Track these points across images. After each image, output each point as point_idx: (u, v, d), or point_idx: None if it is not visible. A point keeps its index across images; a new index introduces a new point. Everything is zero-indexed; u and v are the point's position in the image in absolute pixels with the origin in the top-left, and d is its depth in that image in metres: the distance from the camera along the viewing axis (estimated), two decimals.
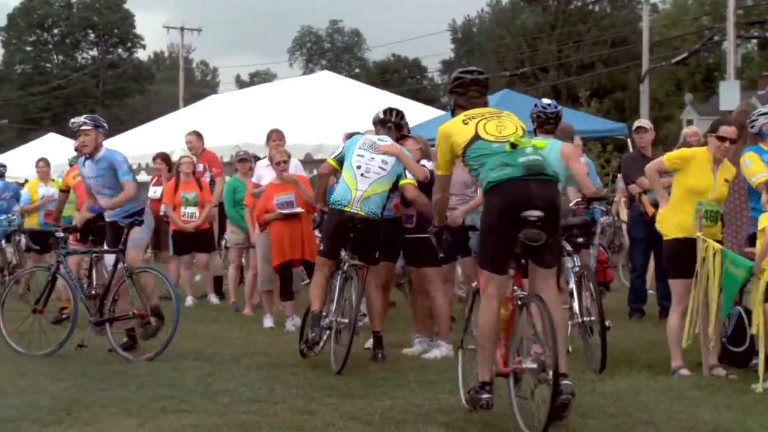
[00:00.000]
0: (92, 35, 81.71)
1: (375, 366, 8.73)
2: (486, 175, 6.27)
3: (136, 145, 21.48)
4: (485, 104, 6.75)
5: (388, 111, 9.32)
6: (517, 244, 6.08)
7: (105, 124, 9.92)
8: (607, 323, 8.32)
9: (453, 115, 6.77)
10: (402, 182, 8.91)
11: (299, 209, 10.91)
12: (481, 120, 6.48)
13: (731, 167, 8.19)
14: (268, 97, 24.24)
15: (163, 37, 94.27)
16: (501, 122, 6.47)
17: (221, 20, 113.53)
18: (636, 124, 12.04)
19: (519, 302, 6.29)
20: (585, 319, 8.47)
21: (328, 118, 19.39)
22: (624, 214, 15.77)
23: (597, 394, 7.39)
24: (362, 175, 8.79)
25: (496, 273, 6.29)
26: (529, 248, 6.09)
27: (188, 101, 43.16)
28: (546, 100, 9.75)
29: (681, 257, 7.91)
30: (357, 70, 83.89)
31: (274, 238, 10.99)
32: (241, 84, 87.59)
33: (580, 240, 8.84)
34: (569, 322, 8.45)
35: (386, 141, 9.03)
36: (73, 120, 9.92)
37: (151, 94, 78.80)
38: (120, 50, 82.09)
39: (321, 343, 8.66)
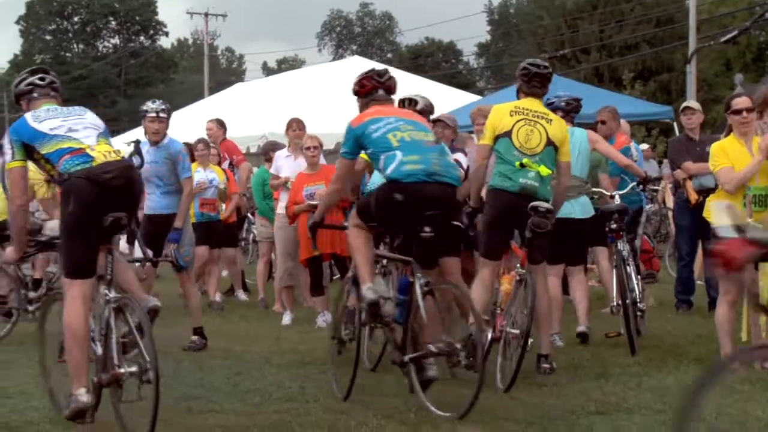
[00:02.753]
0: (113, 23, 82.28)
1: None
2: (494, 176, 7.91)
3: None
4: (542, 95, 8.21)
5: (401, 102, 9.03)
6: (527, 229, 7.61)
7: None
8: (641, 306, 9.28)
9: (517, 95, 8.25)
10: None
11: None
12: (522, 120, 7.93)
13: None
14: (297, 84, 24.33)
15: (186, 23, 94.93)
16: (533, 132, 7.90)
17: (247, 5, 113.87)
18: (683, 105, 11.98)
19: (518, 278, 7.78)
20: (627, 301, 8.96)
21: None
22: (670, 201, 15.70)
23: (643, 388, 7.40)
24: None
25: (489, 259, 7.90)
26: (537, 234, 7.60)
27: (214, 90, 43.39)
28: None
29: None
30: (389, 55, 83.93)
31: (303, 230, 11.00)
32: (268, 71, 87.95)
33: (614, 226, 9.38)
34: (611, 305, 9.48)
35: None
36: (150, 105, 9.83)
37: (176, 84, 79.24)
38: (142, 38, 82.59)
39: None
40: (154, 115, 9.68)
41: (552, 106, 9.30)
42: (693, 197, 10.91)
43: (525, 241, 7.80)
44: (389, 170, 6.91)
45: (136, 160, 9.06)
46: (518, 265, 7.90)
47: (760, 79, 49.68)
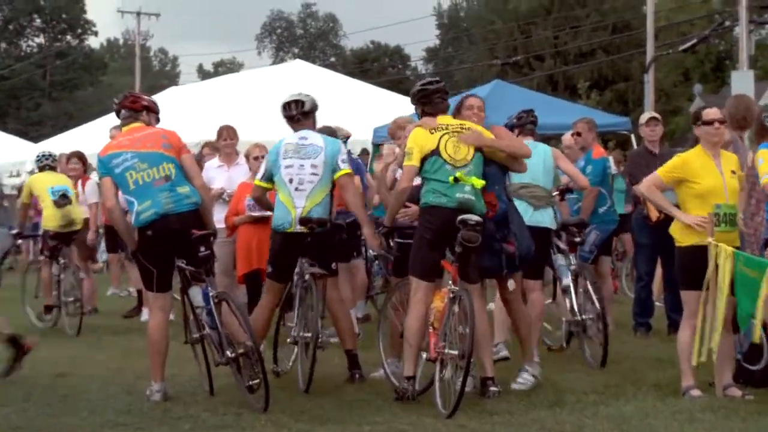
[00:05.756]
0: (38, 20, 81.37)
1: (351, 387, 8.71)
2: (427, 194, 8.11)
3: (88, 142, 21.37)
4: (447, 107, 8.50)
5: (287, 105, 9.25)
6: (457, 243, 7.82)
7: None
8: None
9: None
10: (337, 175, 8.95)
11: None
12: (444, 134, 8.18)
13: (733, 156, 8.26)
14: (235, 88, 24.21)
15: (117, 22, 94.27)
16: (459, 143, 8.14)
17: (182, 4, 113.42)
18: (647, 115, 12.05)
19: (451, 296, 7.87)
20: (581, 317, 9.58)
21: None
22: None
23: (600, 417, 7.39)
24: (296, 189, 8.86)
25: (425, 280, 8.03)
26: (468, 249, 7.83)
27: (145, 93, 43.02)
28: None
29: (695, 265, 7.85)
30: (332, 59, 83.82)
31: (242, 244, 10.92)
32: (204, 74, 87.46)
33: (577, 239, 9.84)
34: (563, 319, 9.84)
35: (310, 138, 9.05)
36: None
37: (104, 86, 78.46)
38: (69, 37, 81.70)
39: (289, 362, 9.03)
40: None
41: (507, 127, 9.40)
42: (654, 214, 10.99)
43: (456, 256, 7.93)
44: (132, 220, 8.23)
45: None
46: (450, 281, 7.98)
47: (719, 89, 50.33)
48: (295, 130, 9.17)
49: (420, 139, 8.19)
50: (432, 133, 8.18)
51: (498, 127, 8.73)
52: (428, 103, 8.41)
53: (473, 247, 7.87)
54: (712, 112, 8.23)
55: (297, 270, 8.81)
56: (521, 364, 8.71)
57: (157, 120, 8.81)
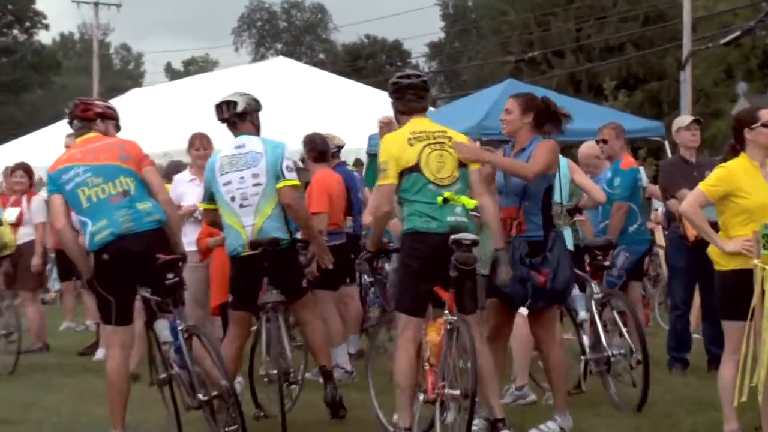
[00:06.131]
0: None
1: (334, 428, 8.78)
2: (412, 218, 8.03)
3: (37, 152, 21.38)
4: (424, 108, 8.45)
5: (218, 108, 9.43)
6: (451, 267, 7.77)
7: None
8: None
9: (397, 120, 8.56)
10: (279, 184, 9.02)
11: None
12: (426, 146, 8.09)
13: None
14: (208, 90, 24.17)
15: (71, 14, 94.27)
16: (443, 157, 8.09)
17: None
18: (687, 118, 12.03)
19: (449, 326, 7.84)
20: (605, 354, 9.57)
21: (286, 118, 19.39)
22: (661, 238, 15.79)
23: None
24: (241, 206, 8.96)
25: (414, 316, 8.03)
26: (464, 273, 7.81)
27: (105, 96, 43.09)
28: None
29: (739, 293, 7.79)
30: (321, 56, 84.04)
31: (216, 269, 10.88)
32: (173, 74, 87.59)
33: (606, 263, 9.94)
34: (582, 358, 9.73)
35: (248, 144, 9.17)
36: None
37: (57, 88, 78.70)
38: (16, 31, 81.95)
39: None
40: None
41: None
42: (691, 233, 10.98)
43: (451, 282, 7.92)
44: (87, 243, 8.24)
45: None
46: (446, 311, 7.95)
47: (766, 89, 50.45)
48: (235, 135, 9.29)
49: (395, 151, 8.12)
50: (411, 145, 8.11)
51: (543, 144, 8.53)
52: (400, 99, 8.40)
53: (469, 270, 7.87)
54: None
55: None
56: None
57: (117, 128, 8.83)
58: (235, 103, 9.32)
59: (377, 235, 8.49)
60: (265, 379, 8.93)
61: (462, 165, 8.16)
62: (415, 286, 8.04)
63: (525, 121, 8.56)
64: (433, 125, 8.32)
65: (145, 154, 8.58)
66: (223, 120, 9.34)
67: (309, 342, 9.43)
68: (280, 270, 8.89)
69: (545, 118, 8.61)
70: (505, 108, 8.72)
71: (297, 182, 9.13)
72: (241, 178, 8.95)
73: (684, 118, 12.09)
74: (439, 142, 8.16)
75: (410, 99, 8.33)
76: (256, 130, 9.30)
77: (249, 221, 8.89)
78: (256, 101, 9.50)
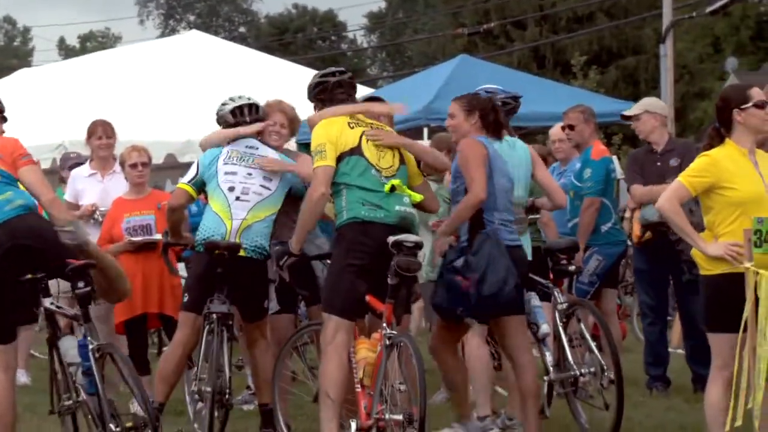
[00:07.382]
0: None
1: None
2: (354, 206, 8.23)
3: None
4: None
5: (239, 110, 9.64)
6: (390, 273, 7.92)
7: None
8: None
9: None
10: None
11: (158, 236, 10.76)
12: (364, 135, 8.42)
13: None
14: (109, 70, 24.09)
15: None
16: (381, 149, 8.41)
17: None
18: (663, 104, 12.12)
19: (387, 342, 7.93)
20: (572, 372, 9.48)
21: (200, 102, 19.30)
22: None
23: None
24: (238, 198, 9.20)
25: (349, 318, 8.17)
26: (405, 280, 7.96)
27: None
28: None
29: (727, 300, 7.78)
30: (242, 29, 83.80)
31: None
32: (67, 51, 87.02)
33: (571, 268, 9.87)
34: (545, 378, 9.51)
35: (262, 149, 9.45)
36: None
37: None
38: None
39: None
40: None
41: None
42: (636, 233, 11.10)
43: (389, 290, 8.02)
44: None
45: None
46: (384, 324, 8.01)
47: (760, 64, 50.87)
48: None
49: (334, 132, 8.39)
50: (351, 128, 8.44)
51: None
52: (328, 100, 8.71)
53: (411, 277, 8.03)
54: (764, 92, 8.02)
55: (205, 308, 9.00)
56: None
57: (3, 118, 8.70)
58: (257, 108, 9.64)
59: (306, 226, 8.51)
60: (196, 396, 9.00)
61: (403, 163, 8.51)
62: (352, 285, 8.15)
63: (471, 122, 8.78)
64: (365, 118, 8.66)
65: (21, 153, 8.33)
66: (237, 124, 9.54)
67: (254, 369, 9.47)
68: (241, 282, 8.99)
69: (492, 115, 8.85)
70: (448, 114, 8.96)
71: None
72: (249, 174, 9.27)
73: (652, 103, 12.00)
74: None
75: (340, 98, 8.70)
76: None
77: (240, 215, 9.14)
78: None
